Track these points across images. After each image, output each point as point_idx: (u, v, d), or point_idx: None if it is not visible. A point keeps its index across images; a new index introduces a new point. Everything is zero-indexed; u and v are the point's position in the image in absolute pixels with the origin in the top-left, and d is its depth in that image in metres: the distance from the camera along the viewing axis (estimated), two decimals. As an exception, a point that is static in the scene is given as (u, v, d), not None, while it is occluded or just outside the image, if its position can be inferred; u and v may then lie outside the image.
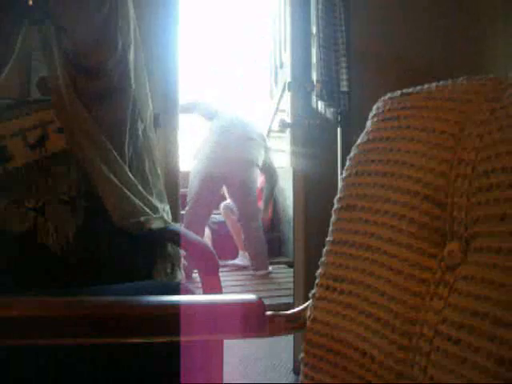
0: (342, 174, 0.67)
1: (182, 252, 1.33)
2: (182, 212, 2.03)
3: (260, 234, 3.35)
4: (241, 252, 3.49)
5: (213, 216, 3.72)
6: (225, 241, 3.61)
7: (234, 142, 3.22)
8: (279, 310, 0.65)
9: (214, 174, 3.17)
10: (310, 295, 0.64)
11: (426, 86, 0.63)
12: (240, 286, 3.01)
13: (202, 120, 3.51)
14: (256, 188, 3.50)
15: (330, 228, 0.66)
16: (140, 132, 1.30)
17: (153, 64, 1.60)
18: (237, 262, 3.42)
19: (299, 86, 1.74)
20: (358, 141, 0.67)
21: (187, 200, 3.21)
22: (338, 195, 0.66)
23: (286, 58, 3.74)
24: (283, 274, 3.23)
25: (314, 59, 1.82)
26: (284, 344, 2.05)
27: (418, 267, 0.53)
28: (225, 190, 3.44)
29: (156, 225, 1.22)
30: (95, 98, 1.22)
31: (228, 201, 3.57)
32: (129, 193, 1.20)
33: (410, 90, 0.64)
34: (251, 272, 3.32)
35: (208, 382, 0.87)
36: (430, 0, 2.05)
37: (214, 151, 3.21)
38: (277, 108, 4.22)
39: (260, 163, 3.44)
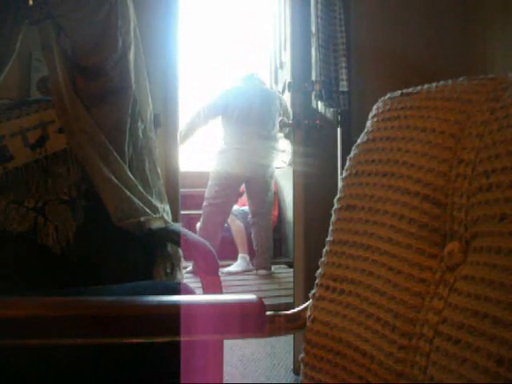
0: (341, 174, 0.67)
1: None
2: (182, 212, 2.02)
3: (270, 234, 3.41)
4: (240, 255, 3.48)
5: None
6: (225, 244, 3.61)
7: (256, 140, 3.25)
8: (279, 310, 0.65)
9: (238, 173, 3.23)
10: (310, 295, 0.64)
11: (425, 86, 0.63)
12: (240, 285, 3.00)
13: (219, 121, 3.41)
14: (273, 188, 3.56)
15: (330, 228, 0.66)
16: (140, 132, 1.30)
17: (153, 64, 1.60)
18: (232, 268, 3.40)
19: (299, 86, 1.75)
20: (358, 141, 0.67)
21: (208, 196, 3.27)
22: (338, 195, 0.66)
23: (286, 58, 3.74)
24: (283, 274, 3.23)
25: (313, 59, 1.82)
26: (284, 344, 2.06)
27: (417, 267, 0.53)
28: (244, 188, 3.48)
29: (156, 225, 1.22)
30: (95, 97, 1.22)
31: (234, 207, 3.59)
32: (129, 193, 1.20)
33: (410, 89, 0.64)
34: (252, 272, 3.33)
35: (208, 382, 0.87)
36: (429, 0, 2.05)
37: (239, 149, 3.23)
38: (277, 108, 4.21)
39: (275, 163, 3.49)
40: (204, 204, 3.32)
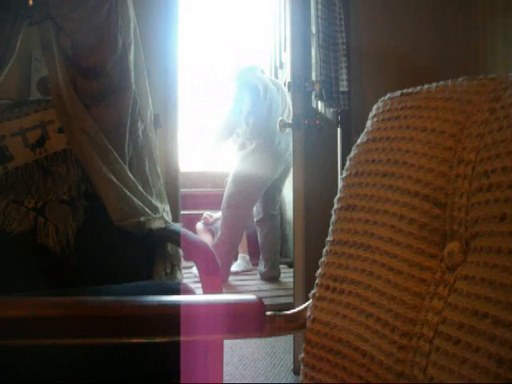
0: (341, 174, 0.67)
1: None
2: (182, 212, 2.02)
3: (279, 239, 3.28)
4: (241, 255, 3.46)
5: (215, 220, 3.72)
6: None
7: (283, 138, 3.01)
8: (279, 310, 0.65)
9: (265, 176, 3.03)
10: (310, 295, 0.64)
11: (425, 86, 0.63)
12: (240, 286, 3.00)
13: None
14: None
15: (330, 228, 0.66)
16: (140, 132, 1.30)
17: (153, 64, 1.60)
18: (232, 268, 3.36)
19: (299, 85, 1.74)
20: (358, 141, 0.67)
21: (231, 203, 3.04)
22: (338, 195, 0.66)
23: (286, 58, 3.73)
24: (283, 274, 3.22)
25: (313, 59, 1.82)
26: (284, 344, 2.06)
27: (417, 267, 0.53)
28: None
29: (156, 225, 1.22)
30: (95, 98, 1.22)
31: None
32: (129, 193, 1.20)
33: (410, 89, 0.64)
34: (252, 272, 3.31)
35: (208, 381, 0.87)
36: (429, 0, 2.05)
37: (270, 150, 3.01)
38: (277, 108, 4.21)
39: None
40: (225, 210, 3.06)
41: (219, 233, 3.13)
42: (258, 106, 3.02)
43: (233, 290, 2.88)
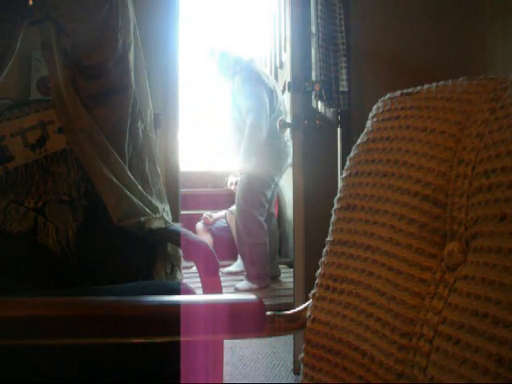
0: (341, 174, 0.67)
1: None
2: (182, 212, 2.02)
3: (278, 234, 3.26)
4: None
5: (215, 220, 3.71)
6: (225, 244, 3.59)
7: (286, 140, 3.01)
8: (279, 310, 0.65)
9: (277, 173, 3.04)
10: (310, 295, 0.64)
11: (426, 86, 0.63)
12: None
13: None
14: None
15: (330, 228, 0.66)
16: (140, 132, 1.30)
17: (153, 64, 1.60)
18: (232, 268, 3.35)
19: (299, 86, 1.74)
20: (358, 141, 0.67)
21: (252, 203, 2.95)
22: (338, 195, 0.66)
23: (286, 58, 3.73)
24: (283, 274, 3.22)
25: (313, 59, 1.82)
26: (284, 344, 2.06)
27: (417, 267, 0.53)
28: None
29: (156, 225, 1.22)
30: (95, 98, 1.22)
31: (233, 207, 3.50)
32: (129, 193, 1.20)
33: (410, 90, 0.64)
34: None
35: (208, 381, 0.87)
36: (429, 0, 2.05)
37: (281, 148, 3.01)
38: (277, 108, 4.21)
39: None
40: (245, 212, 2.96)
41: (241, 237, 3.03)
42: (273, 107, 3.03)
43: (232, 289, 2.88)
